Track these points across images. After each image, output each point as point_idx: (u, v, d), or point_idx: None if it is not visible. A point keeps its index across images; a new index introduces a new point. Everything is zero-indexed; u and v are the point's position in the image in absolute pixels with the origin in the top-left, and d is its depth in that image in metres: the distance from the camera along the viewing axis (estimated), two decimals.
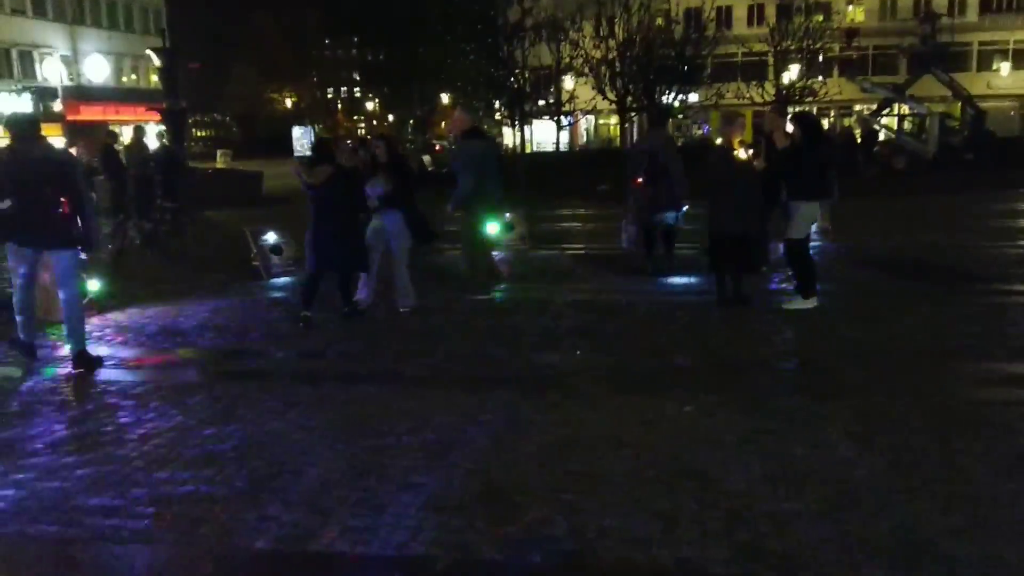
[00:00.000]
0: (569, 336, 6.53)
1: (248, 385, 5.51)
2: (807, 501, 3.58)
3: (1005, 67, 43.26)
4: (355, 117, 76.58)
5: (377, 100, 71.91)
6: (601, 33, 27.93)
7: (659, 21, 30.13)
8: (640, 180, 8.65)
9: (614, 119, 45.33)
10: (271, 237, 9.69)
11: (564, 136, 41.00)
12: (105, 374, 5.93)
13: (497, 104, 33.11)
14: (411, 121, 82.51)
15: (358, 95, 76.14)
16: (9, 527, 3.57)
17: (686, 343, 6.29)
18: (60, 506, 3.73)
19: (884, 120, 30.31)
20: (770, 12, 38.59)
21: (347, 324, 7.16)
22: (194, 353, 6.49)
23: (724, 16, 35.57)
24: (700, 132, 44.76)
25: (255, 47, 51.16)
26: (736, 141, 7.05)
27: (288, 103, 60.03)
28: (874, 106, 31.02)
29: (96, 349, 6.54)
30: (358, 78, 76.50)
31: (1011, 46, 47.13)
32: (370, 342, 6.67)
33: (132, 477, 4.05)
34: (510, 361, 5.98)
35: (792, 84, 32.73)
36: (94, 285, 7.95)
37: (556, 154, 37.13)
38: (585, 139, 52.93)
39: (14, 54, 35.54)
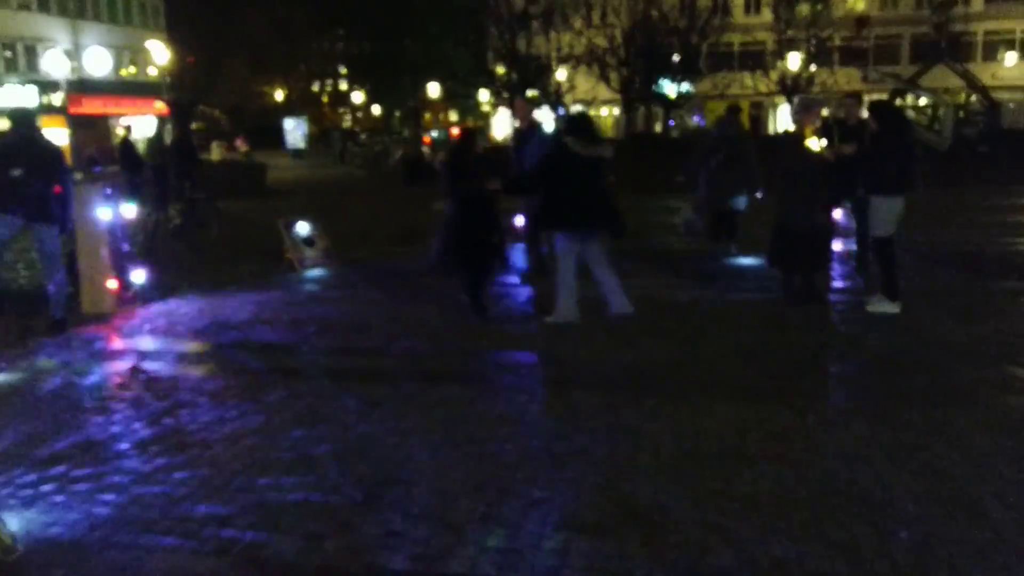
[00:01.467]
0: (642, 335, 6.26)
1: (323, 383, 5.31)
2: (996, 530, 3.29)
3: (1011, 57, 42.89)
4: (340, 110, 76.08)
5: (363, 92, 71.48)
6: (607, 22, 27.78)
7: (656, 11, 29.94)
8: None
9: (605, 110, 45.24)
10: (303, 229, 9.44)
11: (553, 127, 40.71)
12: (170, 369, 5.74)
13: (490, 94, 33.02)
14: (397, 113, 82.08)
15: (344, 88, 75.70)
16: (120, 536, 3.35)
17: (772, 345, 5.97)
18: (168, 514, 3.53)
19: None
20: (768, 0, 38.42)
21: (409, 321, 6.91)
22: (256, 348, 6.23)
23: (722, 5, 35.30)
24: (695, 123, 44.75)
25: (246, 41, 50.57)
26: (809, 130, 6.81)
27: (278, 96, 59.36)
28: (882, 96, 30.95)
29: (150, 342, 6.45)
30: (344, 71, 76.12)
31: (1018, 36, 46.84)
32: (434, 340, 6.42)
33: (233, 483, 3.84)
34: (586, 361, 5.74)
35: (798, 74, 32.57)
36: (139, 276, 7.71)
37: None
38: None
39: (19, 48, 35.61)
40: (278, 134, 43.52)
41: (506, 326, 6.76)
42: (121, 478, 3.90)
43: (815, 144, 6.70)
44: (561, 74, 31.65)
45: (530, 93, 31.65)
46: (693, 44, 27.61)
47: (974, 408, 4.63)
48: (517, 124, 8.33)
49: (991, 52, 43.21)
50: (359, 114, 76.89)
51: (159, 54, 33.26)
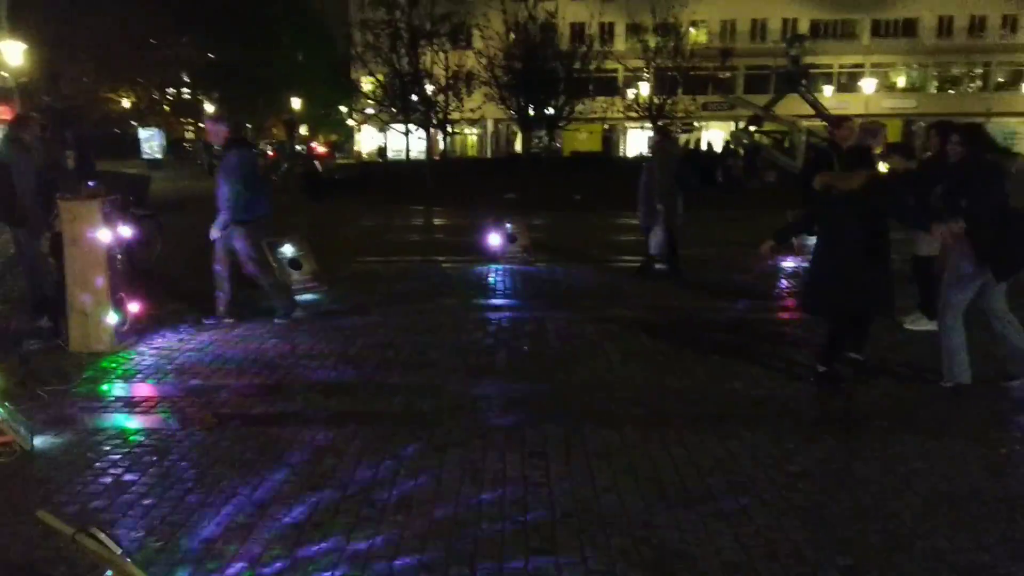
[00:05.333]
0: (696, 360, 6.42)
1: (401, 428, 5.03)
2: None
3: (828, 90, 48.03)
4: (183, 120, 72.23)
5: (214, 102, 68.41)
6: (504, 42, 28.14)
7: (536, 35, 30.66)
8: None
9: (475, 129, 45.81)
10: (288, 250, 8.85)
11: (420, 144, 40.76)
12: (240, 418, 5.19)
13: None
14: (248, 125, 78.99)
15: (193, 97, 72.00)
16: None
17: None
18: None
19: (755, 136, 32.33)
20: (631, 31, 40.50)
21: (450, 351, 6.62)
22: (318, 389, 5.76)
23: (608, 31, 36.83)
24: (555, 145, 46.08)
25: (92, 46, 47.00)
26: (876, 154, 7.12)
27: (125, 103, 55.45)
28: (743, 123, 33.14)
29: (192, 378, 5.81)
30: (187, 79, 72.53)
31: (835, 70, 52.75)
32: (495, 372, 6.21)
33: (433, 540, 3.58)
34: (658, 391, 5.79)
35: (662, 103, 34.37)
36: (133, 306, 6.92)
37: (465, 161, 37.03)
38: (442, 148, 53.31)
39: None
40: (132, 143, 40.57)
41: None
42: (297, 522, 3.55)
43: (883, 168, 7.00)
44: (431, 90, 31.52)
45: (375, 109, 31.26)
46: (578, 69, 28.61)
47: None
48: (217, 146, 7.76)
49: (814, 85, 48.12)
50: (201, 125, 73.28)
51: (13, 55, 30.04)
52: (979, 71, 56.25)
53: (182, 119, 71.75)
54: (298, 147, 43.07)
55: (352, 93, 38.83)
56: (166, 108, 70.49)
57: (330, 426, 4.90)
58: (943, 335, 5.72)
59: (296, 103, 57.29)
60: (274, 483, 4.13)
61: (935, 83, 56.85)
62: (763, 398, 5.58)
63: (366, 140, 56.03)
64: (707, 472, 4.31)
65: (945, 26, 55.11)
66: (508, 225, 11.10)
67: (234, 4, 59.00)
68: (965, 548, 3.55)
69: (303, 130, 64.50)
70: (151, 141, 40.31)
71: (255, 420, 5.05)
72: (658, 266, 10.08)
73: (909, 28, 55.26)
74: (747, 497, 4.02)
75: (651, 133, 39.99)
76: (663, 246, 9.91)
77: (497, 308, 8.33)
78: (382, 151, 51.93)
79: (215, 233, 7.32)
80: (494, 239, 10.98)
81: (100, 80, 50.28)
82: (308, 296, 8.68)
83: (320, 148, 36.66)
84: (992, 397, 5.58)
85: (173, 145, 50.46)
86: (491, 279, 9.98)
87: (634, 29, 39.65)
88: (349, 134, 58.83)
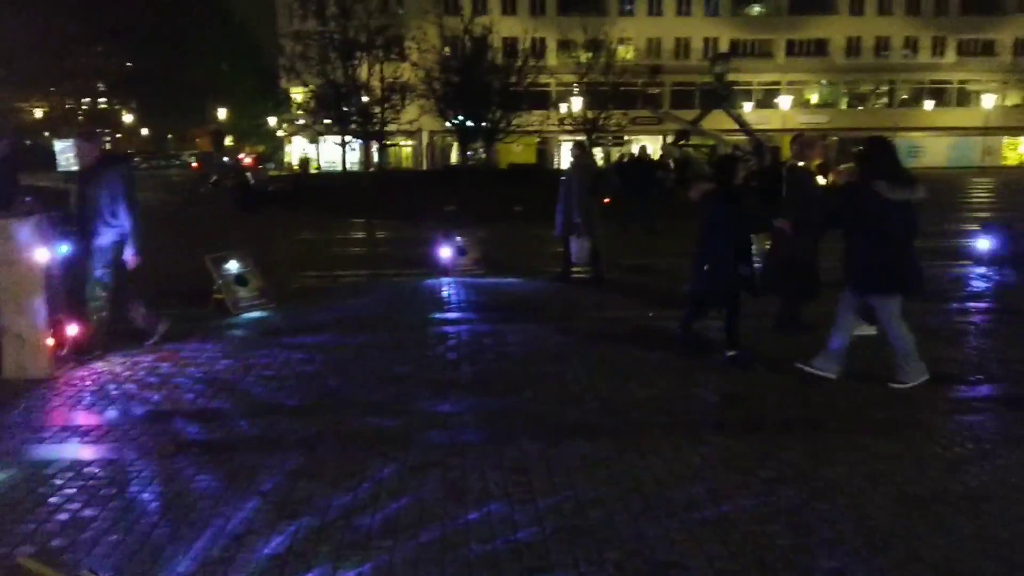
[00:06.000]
0: (657, 368, 6.50)
1: (375, 449, 4.92)
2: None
3: (748, 106, 50.02)
4: (100, 130, 69.86)
5: (131, 112, 66.42)
6: (440, 55, 28.17)
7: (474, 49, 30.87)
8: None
9: (410, 141, 45.77)
10: (233, 266, 8.60)
11: (353, 156, 40.46)
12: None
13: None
14: (169, 136, 76.82)
15: (110, 107, 69.68)
16: None
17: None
18: None
19: (684, 150, 33.11)
20: (562, 47, 41.22)
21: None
22: (283, 415, 5.59)
23: (540, 47, 37.27)
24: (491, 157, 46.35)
25: (1, 54, 45.04)
26: (815, 165, 7.36)
27: (38, 113, 53.32)
28: (670, 138, 33.89)
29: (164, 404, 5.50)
30: (104, 88, 70.25)
31: (754, 87, 54.94)
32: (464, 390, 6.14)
33: (425, 565, 3.51)
34: (626, 401, 5.85)
35: (596, 117, 34.93)
36: (72, 329, 6.59)
37: (403, 173, 36.84)
38: (376, 160, 53.21)
39: None
40: (47, 155, 38.95)
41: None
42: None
43: (821, 179, 7.27)
44: (367, 101, 31.30)
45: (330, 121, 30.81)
46: (513, 83, 28.88)
47: None
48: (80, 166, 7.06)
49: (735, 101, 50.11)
50: (118, 136, 70.98)
51: None
52: (885, 88, 59.07)
53: (99, 129, 69.48)
54: (225, 159, 41.99)
55: (282, 103, 38.34)
56: (81, 118, 68.17)
57: (300, 449, 4.76)
58: (893, 342, 5.96)
59: (222, 113, 56.06)
60: (247, 512, 3.97)
61: (845, 100, 59.44)
62: (726, 404, 5.69)
63: (297, 151, 55.23)
64: (687, 480, 4.34)
65: (853, 46, 57.87)
66: (458, 238, 11.05)
67: (152, 12, 57.47)
68: (940, 547, 3.66)
69: (229, 141, 63.24)
70: (67, 153, 38.63)
71: (217, 446, 4.86)
72: (576, 274, 10.46)
73: (820, 48, 57.84)
74: (728, 504, 4.06)
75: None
76: (584, 255, 10.27)
77: (455, 322, 8.25)
78: (304, 162, 51.04)
79: (135, 256, 6.95)
80: (445, 252, 10.91)
81: (10, 89, 48.33)
82: (256, 314, 8.44)
83: (247, 159, 35.89)
84: (939, 398, 5.80)
85: None
86: (445, 292, 9.90)
87: (565, 45, 40.38)
88: (279, 145, 57.79)
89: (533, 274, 11.22)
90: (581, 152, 10.83)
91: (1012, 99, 58.19)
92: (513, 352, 7.00)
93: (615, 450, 4.74)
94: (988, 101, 54.21)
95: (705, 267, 6.54)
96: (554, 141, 52.87)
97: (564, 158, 55.19)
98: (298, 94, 35.02)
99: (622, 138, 42.18)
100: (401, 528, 3.80)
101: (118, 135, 70.23)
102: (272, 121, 53.55)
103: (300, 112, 34.45)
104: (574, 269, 10.48)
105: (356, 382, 6.14)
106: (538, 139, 48.08)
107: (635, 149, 21.52)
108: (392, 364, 6.61)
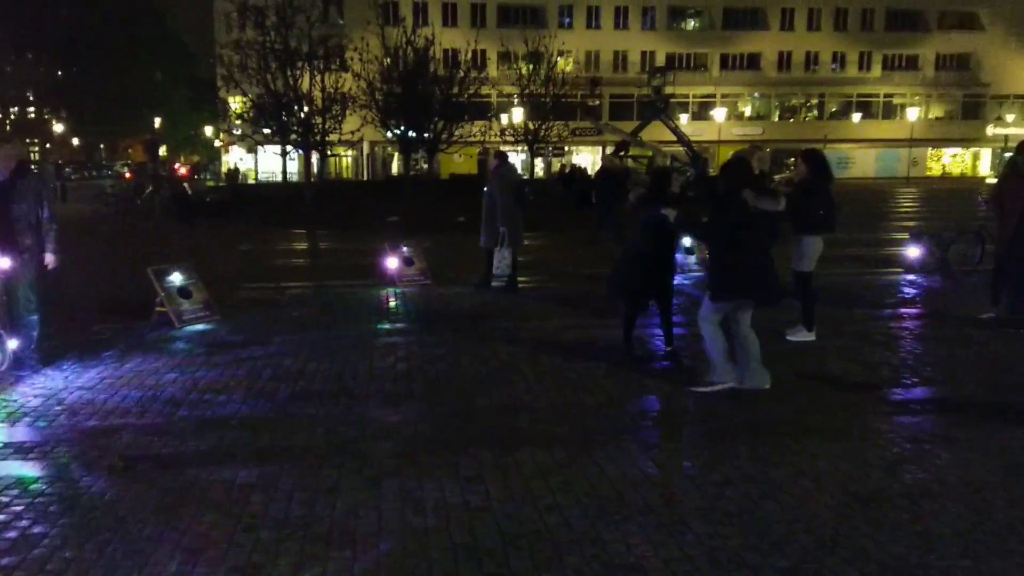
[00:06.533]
0: (604, 376, 6.62)
1: (329, 460, 4.90)
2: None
3: (685, 118, 51.40)
4: (28, 140, 67.68)
5: (63, 121, 64.48)
6: (382, 66, 28.09)
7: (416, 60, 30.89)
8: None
9: (351, 152, 45.46)
10: (177, 278, 8.44)
11: (293, 167, 40.08)
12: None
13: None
14: (102, 146, 74.72)
15: (40, 116, 67.56)
16: None
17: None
18: None
19: (624, 160, 33.64)
20: (503, 59, 41.56)
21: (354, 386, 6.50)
22: (232, 426, 5.51)
23: (481, 58, 37.43)
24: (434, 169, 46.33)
25: None
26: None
27: None
28: (610, 148, 34.46)
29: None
30: (32, 98, 68.17)
31: (690, 100, 56.27)
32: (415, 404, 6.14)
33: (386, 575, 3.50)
34: (577, 409, 5.92)
35: (536, 127, 35.25)
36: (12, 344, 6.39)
37: (344, 183, 36.50)
38: (317, 170, 52.75)
39: None
40: None
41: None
42: None
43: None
44: (308, 111, 30.99)
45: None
46: (452, 94, 28.99)
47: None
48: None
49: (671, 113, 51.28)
50: (48, 145, 68.83)
51: None
52: (815, 101, 61.12)
53: (27, 139, 67.21)
54: (159, 170, 41.07)
55: (220, 113, 37.76)
56: (7, 128, 65.87)
57: (252, 463, 4.71)
58: (704, 344, 6.18)
59: (157, 123, 54.85)
60: (203, 527, 3.92)
61: (777, 112, 61.30)
62: (672, 410, 5.82)
63: (235, 161, 54.36)
64: (640, 485, 4.43)
65: (784, 61, 59.84)
66: (404, 248, 11.04)
67: (84, 21, 55.96)
68: (885, 543, 3.82)
69: (163, 151, 61.86)
70: None
71: (168, 461, 4.77)
72: (495, 283, 10.61)
73: (753, 62, 59.69)
74: (682, 507, 4.16)
75: (525, 156, 40.91)
76: (505, 264, 10.46)
77: (404, 332, 8.25)
78: (231, 173, 49.91)
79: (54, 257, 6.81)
80: (391, 262, 10.88)
81: None
82: (201, 327, 8.30)
83: (182, 169, 35.14)
84: (878, 400, 6.04)
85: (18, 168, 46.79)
86: (392, 303, 9.88)
87: (506, 57, 40.75)
88: (215, 156, 56.78)
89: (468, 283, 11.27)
90: (501, 162, 10.69)
91: (935, 112, 60.80)
92: (464, 361, 7.04)
93: (569, 457, 4.82)
94: (912, 114, 56.47)
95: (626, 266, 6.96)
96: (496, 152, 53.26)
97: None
98: (236, 104, 34.57)
99: (563, 149, 42.65)
100: (360, 538, 3.80)
101: (48, 145, 68.13)
102: (209, 131, 52.68)
103: (239, 122, 33.99)
104: (492, 279, 10.65)
105: (306, 394, 6.10)
106: (480, 150, 48.37)
107: (576, 160, 21.83)
108: (342, 375, 6.58)
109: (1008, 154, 10.19)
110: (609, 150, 35.98)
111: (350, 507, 4.13)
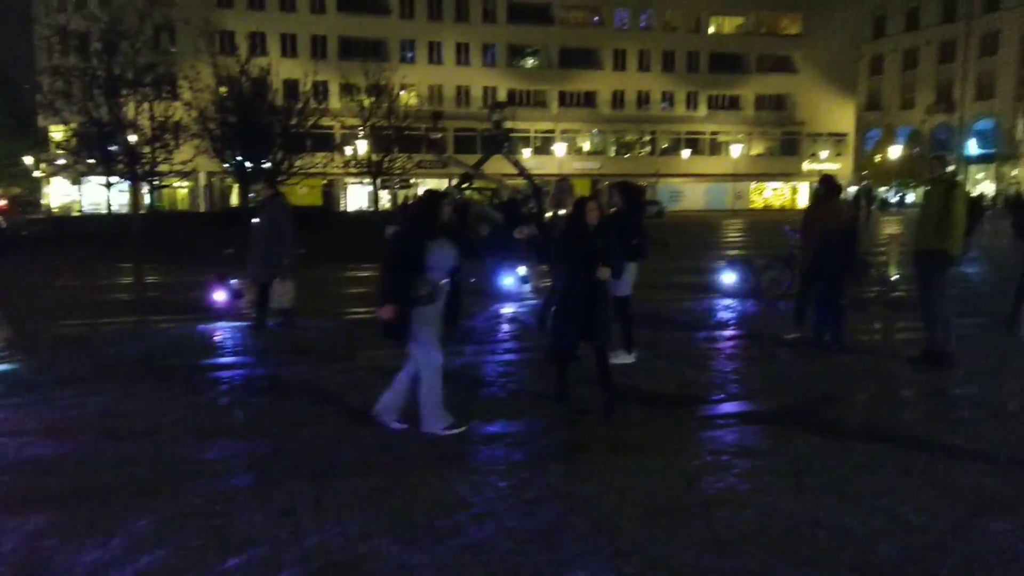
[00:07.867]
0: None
1: (132, 502, 4.70)
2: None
3: (527, 152, 53.77)
4: None
5: None
6: (215, 95, 27.17)
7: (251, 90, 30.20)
8: None
9: (185, 182, 43.58)
10: None
11: (122, 198, 38.04)
12: None
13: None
14: None
15: None
16: None
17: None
18: None
19: (467, 193, 34.08)
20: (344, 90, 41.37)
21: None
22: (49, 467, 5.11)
23: (322, 90, 37.02)
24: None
25: None
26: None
27: None
28: (455, 181, 34.87)
29: None
30: None
31: (532, 134, 58.17)
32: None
33: None
34: (401, 438, 5.94)
35: (380, 159, 35.22)
36: None
37: (178, 215, 34.66)
38: (148, 202, 50.23)
39: None
40: None
41: None
42: None
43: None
44: (135, 140, 29.49)
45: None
46: (292, 124, 28.48)
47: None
48: None
49: (513, 148, 53.05)
50: None
51: None
52: (648, 138, 64.69)
53: None
54: None
55: (40, 142, 35.25)
56: None
57: (44, 509, 4.42)
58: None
59: None
60: None
61: (614, 148, 64.40)
62: (491, 435, 5.94)
63: (56, 193, 50.68)
64: (454, 508, 4.51)
65: (618, 99, 63.16)
66: (233, 280, 10.70)
67: None
68: (678, 551, 4.08)
69: None
70: None
71: None
72: (271, 323, 9.92)
73: (589, 99, 62.64)
74: (491, 527, 4.28)
75: (371, 188, 40.67)
76: (287, 297, 9.87)
77: (229, 366, 8.00)
78: (25, 204, 46.37)
79: None
80: (219, 295, 10.51)
81: None
82: (2, 367, 7.68)
83: (1, 202, 32.42)
84: (686, 416, 6.44)
85: None
86: (218, 337, 9.54)
87: (348, 89, 40.60)
88: (36, 187, 52.71)
89: (314, 315, 11.08)
90: (275, 192, 10.11)
91: (756, 148, 65.70)
92: (290, 393, 6.91)
93: (387, 485, 4.84)
94: (736, 150, 60.81)
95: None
96: (340, 183, 52.70)
97: (351, 200, 55.05)
98: (58, 132, 32.39)
99: (408, 180, 42.78)
100: None
101: None
102: (29, 161, 48.92)
103: (60, 151, 31.84)
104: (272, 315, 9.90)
105: (115, 435, 5.79)
106: (324, 181, 47.64)
107: (421, 191, 21.81)
108: (158, 414, 6.29)
109: None
110: (454, 182, 36.45)
111: (147, 549, 3.96)
